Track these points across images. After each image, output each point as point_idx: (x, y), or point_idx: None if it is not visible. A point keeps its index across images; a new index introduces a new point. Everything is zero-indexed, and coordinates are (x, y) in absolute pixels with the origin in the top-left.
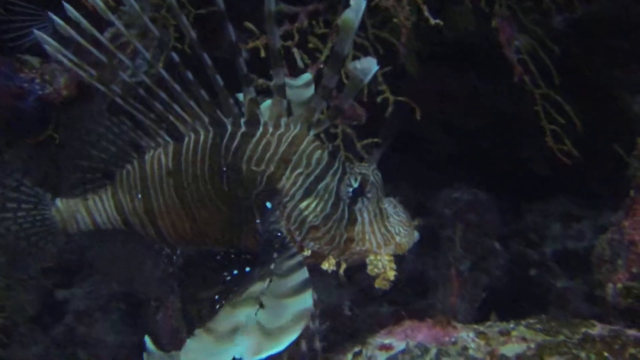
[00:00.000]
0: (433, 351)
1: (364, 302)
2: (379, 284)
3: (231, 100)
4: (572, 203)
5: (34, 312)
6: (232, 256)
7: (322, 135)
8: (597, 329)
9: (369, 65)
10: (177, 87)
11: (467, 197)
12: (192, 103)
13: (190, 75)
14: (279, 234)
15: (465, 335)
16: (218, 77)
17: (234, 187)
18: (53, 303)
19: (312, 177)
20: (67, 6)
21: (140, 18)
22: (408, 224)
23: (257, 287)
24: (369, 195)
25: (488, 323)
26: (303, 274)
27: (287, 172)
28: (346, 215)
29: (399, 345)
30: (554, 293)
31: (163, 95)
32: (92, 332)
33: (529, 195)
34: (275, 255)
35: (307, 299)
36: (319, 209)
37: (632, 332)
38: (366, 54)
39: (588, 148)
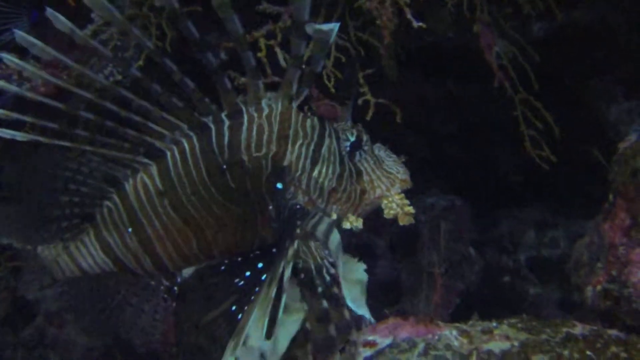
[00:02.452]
0: (421, 345)
1: None
2: (403, 221)
3: (206, 99)
4: (546, 210)
5: (4, 313)
6: (239, 259)
7: None
8: (579, 329)
9: (328, 25)
10: (146, 104)
11: (443, 203)
12: (165, 115)
13: (157, 87)
14: (298, 206)
15: (449, 333)
16: (187, 80)
17: (240, 181)
18: (23, 304)
19: (312, 145)
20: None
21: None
22: (400, 162)
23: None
24: (365, 146)
25: (470, 322)
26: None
27: (289, 147)
28: (353, 170)
29: (383, 341)
30: (528, 300)
31: (134, 117)
32: (62, 333)
33: (504, 202)
34: (298, 225)
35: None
36: (330, 171)
37: (613, 331)
38: (347, 55)
39: (562, 155)
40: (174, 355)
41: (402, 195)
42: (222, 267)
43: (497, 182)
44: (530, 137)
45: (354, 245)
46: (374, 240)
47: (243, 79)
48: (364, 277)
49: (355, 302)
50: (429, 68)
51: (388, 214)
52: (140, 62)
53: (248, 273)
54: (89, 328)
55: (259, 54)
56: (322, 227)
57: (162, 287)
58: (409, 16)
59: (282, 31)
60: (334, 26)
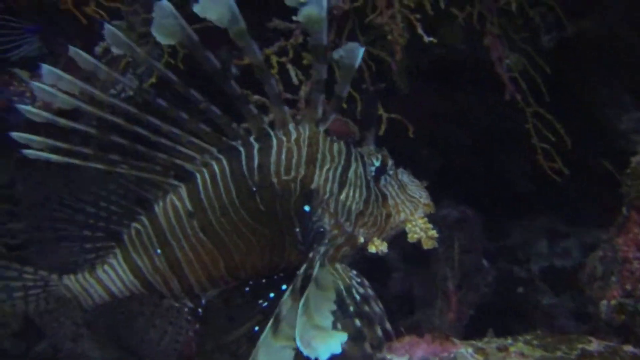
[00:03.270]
0: None
1: None
2: (427, 245)
3: (233, 124)
4: (557, 220)
5: (17, 327)
6: (263, 281)
7: None
8: (594, 345)
9: (353, 50)
10: (175, 129)
11: (456, 215)
12: (194, 139)
13: (184, 114)
14: (321, 229)
15: (464, 351)
16: (213, 107)
17: (270, 204)
18: None
19: (340, 169)
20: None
21: (128, 35)
22: (422, 187)
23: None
24: (390, 171)
25: (485, 339)
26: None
27: (317, 171)
28: (379, 194)
29: None
30: (541, 310)
31: (164, 140)
32: (77, 347)
33: (516, 212)
34: (322, 250)
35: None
36: (357, 195)
37: (628, 347)
38: (358, 70)
39: (572, 164)
40: None
41: (426, 219)
42: (247, 289)
43: (508, 192)
44: (542, 149)
45: (367, 258)
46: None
47: (256, 97)
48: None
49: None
50: (440, 80)
51: (412, 237)
52: (153, 80)
53: (272, 295)
54: (109, 347)
55: (271, 71)
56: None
57: (186, 309)
58: (420, 31)
59: (294, 48)
60: (360, 52)
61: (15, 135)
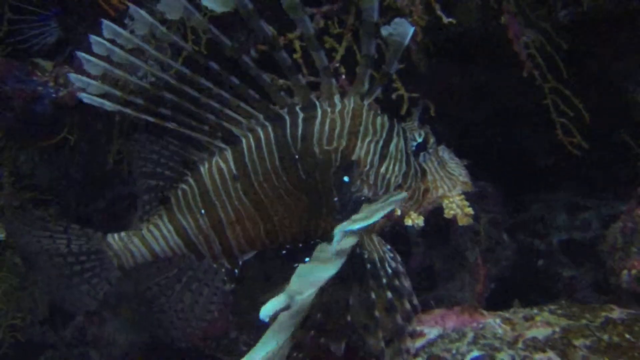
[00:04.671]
0: (470, 335)
1: None
2: (462, 221)
3: (281, 92)
4: (576, 193)
5: (42, 316)
6: (300, 246)
7: None
8: (617, 313)
9: (403, 28)
10: (225, 93)
11: (475, 190)
12: (242, 104)
13: (235, 79)
14: (363, 198)
15: (492, 321)
16: (264, 75)
17: (311, 172)
18: None
19: (381, 142)
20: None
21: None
22: (462, 165)
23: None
24: (431, 148)
25: (512, 310)
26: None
27: (359, 143)
28: (418, 169)
29: (430, 331)
30: (562, 282)
31: (213, 103)
32: (102, 332)
33: (534, 186)
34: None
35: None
36: (397, 168)
37: None
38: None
39: (590, 138)
40: (214, 350)
41: (463, 196)
42: (284, 252)
43: (527, 166)
44: (560, 125)
45: (388, 233)
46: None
47: (282, 81)
48: None
49: None
50: (456, 57)
51: (448, 213)
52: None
53: (307, 259)
54: (134, 330)
55: (295, 55)
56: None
57: (223, 270)
58: (438, 12)
59: (316, 32)
60: (410, 30)
61: (72, 77)
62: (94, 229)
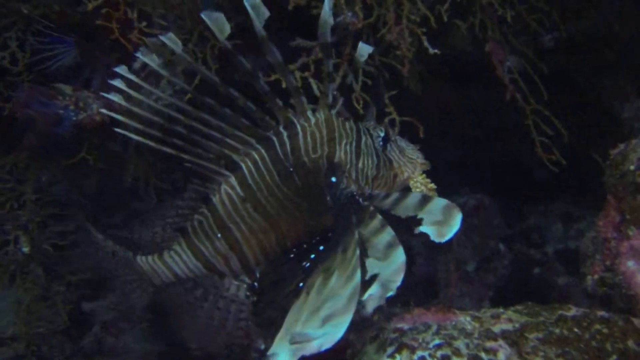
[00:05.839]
0: (434, 327)
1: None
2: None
3: (267, 117)
4: (571, 204)
5: (62, 326)
6: (304, 246)
7: None
8: (572, 311)
9: (363, 49)
10: (224, 124)
11: (473, 202)
12: (238, 132)
13: (229, 110)
14: (353, 193)
15: (463, 319)
16: (250, 103)
17: (305, 179)
18: (79, 315)
19: (354, 143)
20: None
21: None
22: (417, 149)
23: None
24: (392, 139)
25: (483, 310)
26: (389, 232)
27: (337, 147)
28: (386, 159)
29: (404, 326)
30: (557, 290)
31: (215, 133)
32: (119, 341)
33: (531, 198)
34: (353, 212)
35: (400, 255)
36: (370, 162)
37: (601, 312)
38: (373, 79)
39: (582, 150)
40: (227, 357)
41: (424, 175)
42: (291, 255)
43: (523, 179)
44: (542, 143)
45: None
46: (410, 241)
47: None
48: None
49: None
50: (451, 78)
51: (415, 192)
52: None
53: (312, 256)
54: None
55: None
56: (372, 224)
57: (244, 285)
58: (425, 44)
59: (315, 63)
60: (367, 48)
61: (104, 112)
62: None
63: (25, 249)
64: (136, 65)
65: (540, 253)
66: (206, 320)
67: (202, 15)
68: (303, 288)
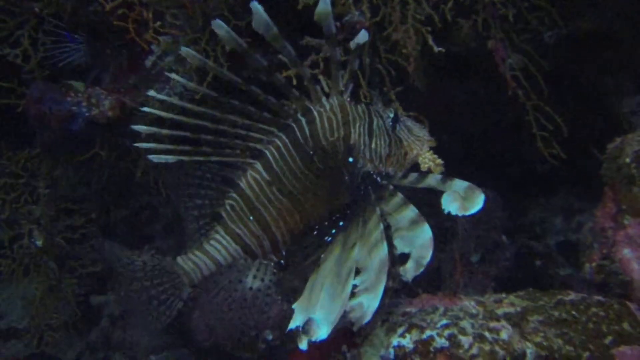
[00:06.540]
0: (441, 309)
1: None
2: (436, 170)
3: (285, 107)
4: (572, 197)
5: (71, 320)
6: (326, 223)
7: None
8: (571, 296)
9: (361, 37)
10: (248, 121)
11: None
12: (261, 125)
13: (252, 108)
14: (370, 171)
15: (468, 303)
16: (270, 97)
17: (325, 161)
18: (87, 309)
19: (366, 125)
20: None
21: (174, 44)
22: (423, 127)
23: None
24: (400, 119)
25: (486, 295)
26: (412, 209)
27: (352, 129)
28: (396, 138)
29: (412, 309)
30: (558, 281)
31: (240, 130)
32: (126, 335)
33: (532, 191)
34: (372, 189)
35: (426, 230)
36: (383, 141)
37: (597, 297)
38: (380, 76)
39: (584, 145)
40: (235, 349)
41: (432, 151)
42: (315, 232)
43: (525, 173)
44: (542, 137)
45: None
46: None
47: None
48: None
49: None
50: (457, 74)
51: (424, 167)
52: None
53: (334, 231)
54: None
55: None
56: (394, 201)
57: (272, 264)
58: (430, 42)
59: (324, 60)
60: (365, 35)
61: (139, 145)
62: (118, 237)
63: (39, 243)
64: (148, 62)
65: (541, 245)
66: (241, 301)
67: (213, 27)
68: (324, 258)
